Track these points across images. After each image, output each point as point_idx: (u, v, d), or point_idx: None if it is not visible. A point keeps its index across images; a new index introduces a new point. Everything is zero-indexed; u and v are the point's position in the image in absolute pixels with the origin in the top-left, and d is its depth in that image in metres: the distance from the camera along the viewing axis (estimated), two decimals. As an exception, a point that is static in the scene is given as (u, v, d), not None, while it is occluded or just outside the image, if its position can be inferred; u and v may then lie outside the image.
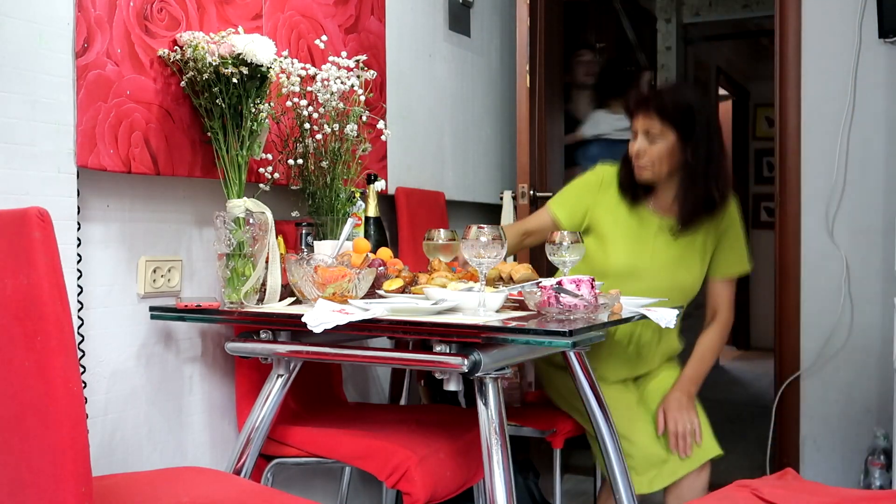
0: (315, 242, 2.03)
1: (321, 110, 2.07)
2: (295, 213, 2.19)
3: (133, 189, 1.87)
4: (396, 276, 1.90)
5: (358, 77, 2.12)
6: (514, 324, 1.57)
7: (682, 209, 2.19)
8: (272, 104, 2.00)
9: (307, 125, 2.08)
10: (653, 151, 2.17)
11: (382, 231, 2.24)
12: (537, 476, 2.97)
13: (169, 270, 1.94)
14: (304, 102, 2.06)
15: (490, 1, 3.36)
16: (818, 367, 3.06)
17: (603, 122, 3.86)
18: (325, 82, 2.08)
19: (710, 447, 2.21)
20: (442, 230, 2.01)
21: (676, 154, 2.17)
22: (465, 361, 1.54)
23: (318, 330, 1.54)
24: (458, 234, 1.97)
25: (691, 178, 2.17)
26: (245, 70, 1.80)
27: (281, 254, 1.86)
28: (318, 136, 2.08)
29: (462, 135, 3.16)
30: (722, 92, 6.94)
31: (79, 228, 1.72)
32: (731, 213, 2.29)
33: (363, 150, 2.17)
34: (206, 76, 1.81)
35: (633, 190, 2.25)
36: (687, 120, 2.14)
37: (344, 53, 2.20)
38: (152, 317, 1.82)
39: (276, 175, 2.05)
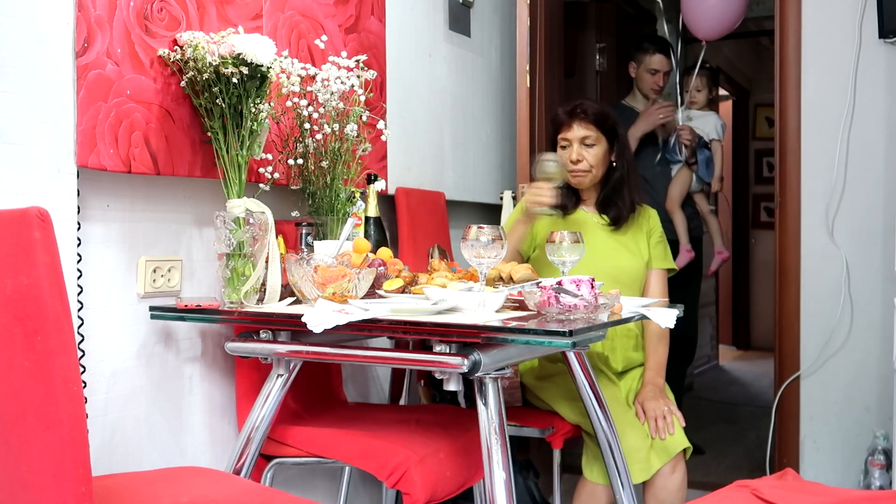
0: (315, 242, 2.03)
1: (321, 110, 2.07)
2: (295, 213, 2.19)
3: (133, 189, 1.87)
4: (396, 276, 1.90)
5: (358, 77, 2.12)
6: (514, 324, 1.57)
7: (616, 210, 2.45)
8: (272, 104, 2.00)
9: (307, 125, 2.08)
10: (590, 156, 2.40)
11: (382, 231, 2.24)
12: (537, 476, 2.97)
13: (169, 270, 1.94)
14: (304, 102, 2.06)
15: (490, 1, 3.36)
16: (818, 367, 3.06)
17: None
18: (326, 82, 2.08)
19: (680, 438, 2.26)
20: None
21: (607, 159, 2.43)
22: (465, 361, 1.54)
23: (317, 330, 1.54)
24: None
25: (619, 181, 2.45)
26: (245, 70, 1.80)
27: (281, 254, 1.86)
28: (318, 136, 2.08)
29: (462, 135, 3.16)
30: (722, 92, 6.93)
31: (79, 228, 1.72)
32: (656, 218, 2.56)
33: (363, 150, 2.17)
34: (206, 76, 1.81)
35: (568, 202, 2.45)
36: (613, 129, 2.42)
37: (344, 53, 2.20)
38: (152, 317, 1.82)
39: (276, 175, 2.05)
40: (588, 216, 2.48)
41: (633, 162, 2.53)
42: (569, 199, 2.46)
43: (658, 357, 2.43)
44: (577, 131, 2.38)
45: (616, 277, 2.37)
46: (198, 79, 1.82)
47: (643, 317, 1.83)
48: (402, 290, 1.86)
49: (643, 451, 2.22)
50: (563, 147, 2.42)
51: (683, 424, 2.27)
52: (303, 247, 2.04)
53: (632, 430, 2.24)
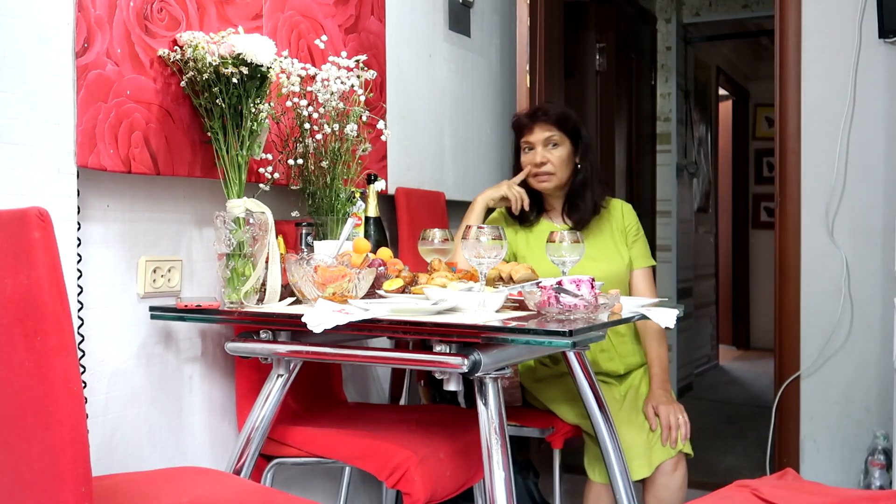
0: (315, 242, 2.03)
1: (321, 110, 2.07)
2: (295, 213, 2.19)
3: (133, 189, 1.87)
4: (396, 276, 1.90)
5: (358, 77, 2.12)
6: (514, 324, 1.57)
7: (578, 213, 2.42)
8: (272, 104, 2.00)
9: (307, 125, 2.08)
10: (555, 158, 2.38)
11: (382, 231, 2.24)
12: (537, 476, 2.97)
13: (169, 270, 1.94)
14: (304, 102, 2.06)
15: (490, 1, 3.36)
16: (818, 367, 3.06)
17: None
18: (325, 82, 2.08)
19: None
20: (437, 230, 1.99)
21: (571, 162, 2.42)
22: (465, 361, 1.54)
23: (317, 330, 1.54)
24: (452, 234, 1.99)
25: (582, 184, 2.42)
26: (245, 70, 1.80)
27: (281, 254, 1.86)
28: (318, 136, 2.08)
29: (462, 135, 3.16)
30: (722, 92, 6.94)
31: (79, 228, 1.72)
32: (631, 213, 2.51)
33: (363, 150, 2.17)
34: (206, 76, 1.81)
35: (530, 212, 2.43)
36: (575, 129, 2.41)
37: (344, 53, 2.20)
38: (152, 317, 1.82)
39: (276, 175, 2.05)
40: (553, 226, 2.45)
41: (598, 164, 2.50)
42: (532, 209, 2.44)
43: (662, 361, 2.40)
44: (540, 133, 2.38)
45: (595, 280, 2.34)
46: (198, 79, 1.82)
47: (643, 317, 1.83)
48: (402, 290, 1.86)
49: (643, 448, 2.21)
50: (527, 151, 2.41)
51: (688, 437, 2.25)
52: (303, 247, 2.04)
53: (629, 427, 2.23)
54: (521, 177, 2.42)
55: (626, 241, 2.47)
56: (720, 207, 7.19)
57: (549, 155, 2.37)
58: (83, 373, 1.73)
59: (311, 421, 2.05)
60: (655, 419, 2.25)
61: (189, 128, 1.91)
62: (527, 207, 2.41)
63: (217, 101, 1.82)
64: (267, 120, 1.94)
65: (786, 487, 1.61)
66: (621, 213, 2.50)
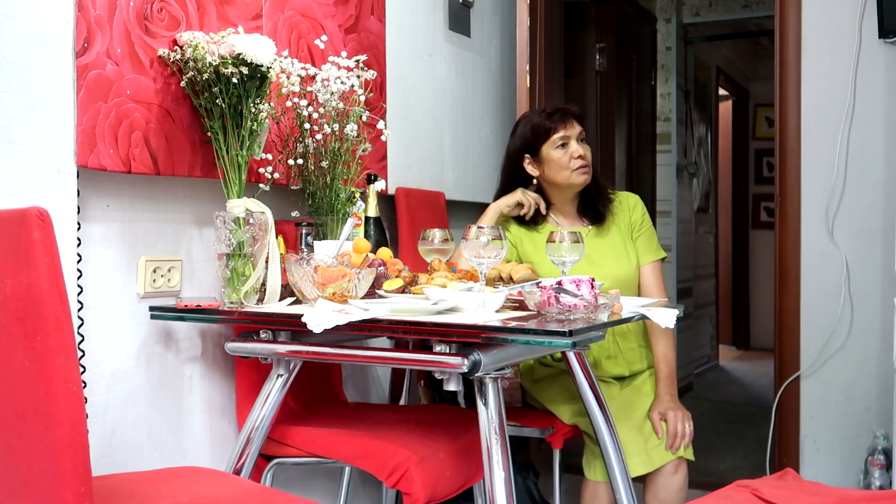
0: (315, 242, 2.03)
1: (321, 110, 2.08)
2: (295, 213, 2.19)
3: (133, 189, 1.87)
4: (396, 276, 1.90)
5: (358, 77, 2.12)
6: (514, 324, 1.57)
7: (594, 209, 2.43)
8: (272, 104, 2.00)
9: (307, 125, 2.08)
10: (588, 152, 2.38)
11: (382, 231, 2.24)
12: (537, 476, 2.97)
13: (169, 270, 1.94)
14: (304, 102, 2.06)
15: (490, 1, 3.36)
16: (818, 367, 3.06)
17: None
18: (325, 82, 2.08)
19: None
20: (437, 230, 1.98)
21: None
22: (465, 361, 1.54)
23: (317, 330, 1.54)
24: (452, 234, 1.99)
25: (596, 179, 2.44)
26: (245, 70, 1.80)
27: (281, 254, 1.86)
28: (318, 136, 2.08)
29: (462, 135, 3.16)
30: (722, 92, 6.94)
31: (79, 228, 1.72)
32: (639, 206, 2.49)
33: (363, 150, 2.17)
34: (206, 76, 1.81)
35: (540, 214, 2.42)
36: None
37: (344, 53, 2.20)
38: (152, 317, 1.82)
39: (276, 175, 2.05)
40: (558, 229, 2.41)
41: None
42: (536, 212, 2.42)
43: (669, 361, 2.36)
44: (574, 128, 2.37)
45: (610, 285, 2.28)
46: (198, 79, 1.82)
47: (643, 317, 1.83)
48: (402, 290, 1.86)
49: (639, 444, 2.20)
50: (563, 146, 2.35)
51: (689, 445, 2.24)
52: (303, 247, 2.04)
53: (626, 424, 2.22)
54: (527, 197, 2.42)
55: (632, 236, 2.44)
56: (720, 207, 7.20)
57: (584, 149, 2.37)
58: (83, 373, 1.73)
59: (311, 421, 2.05)
60: (661, 425, 2.23)
61: (189, 128, 1.91)
62: (543, 210, 2.40)
63: (217, 101, 1.82)
64: (267, 120, 1.94)
65: (786, 487, 1.61)
66: (629, 208, 2.46)
